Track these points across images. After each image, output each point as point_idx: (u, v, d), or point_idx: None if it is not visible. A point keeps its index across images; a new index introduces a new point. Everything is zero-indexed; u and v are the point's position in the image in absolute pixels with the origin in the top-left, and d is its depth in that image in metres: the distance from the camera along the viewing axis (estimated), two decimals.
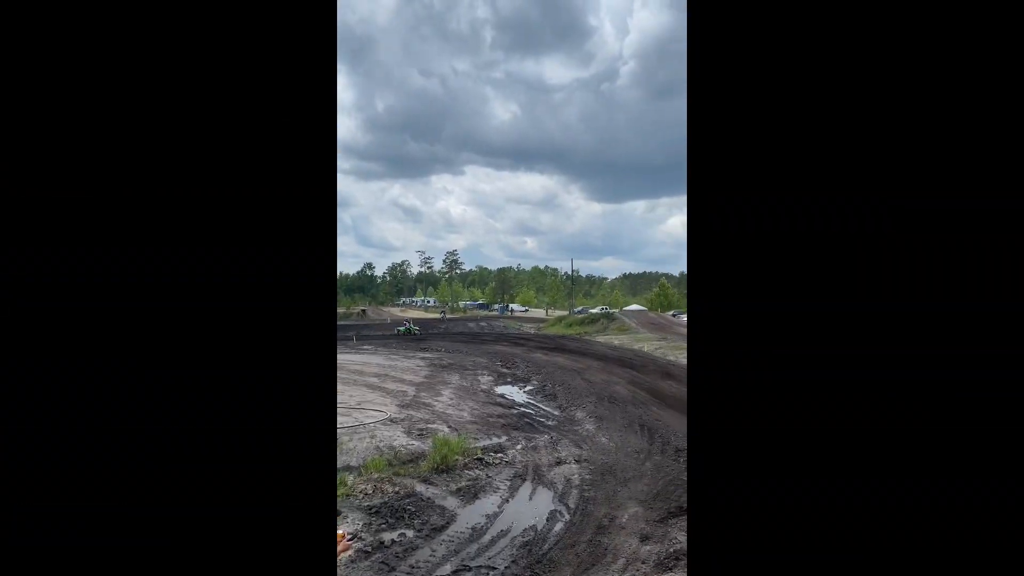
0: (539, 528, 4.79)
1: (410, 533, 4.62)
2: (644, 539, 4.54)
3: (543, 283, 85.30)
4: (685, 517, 4.90)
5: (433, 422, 8.50)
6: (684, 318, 45.16)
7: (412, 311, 55.78)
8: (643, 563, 4.15)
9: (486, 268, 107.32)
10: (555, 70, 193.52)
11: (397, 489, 5.53)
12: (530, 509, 5.31)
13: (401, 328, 27.72)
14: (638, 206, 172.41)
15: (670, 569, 4.05)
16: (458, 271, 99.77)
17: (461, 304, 72.34)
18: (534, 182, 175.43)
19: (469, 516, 5.08)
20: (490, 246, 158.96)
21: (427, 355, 17.77)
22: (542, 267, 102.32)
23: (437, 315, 50.95)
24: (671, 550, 4.32)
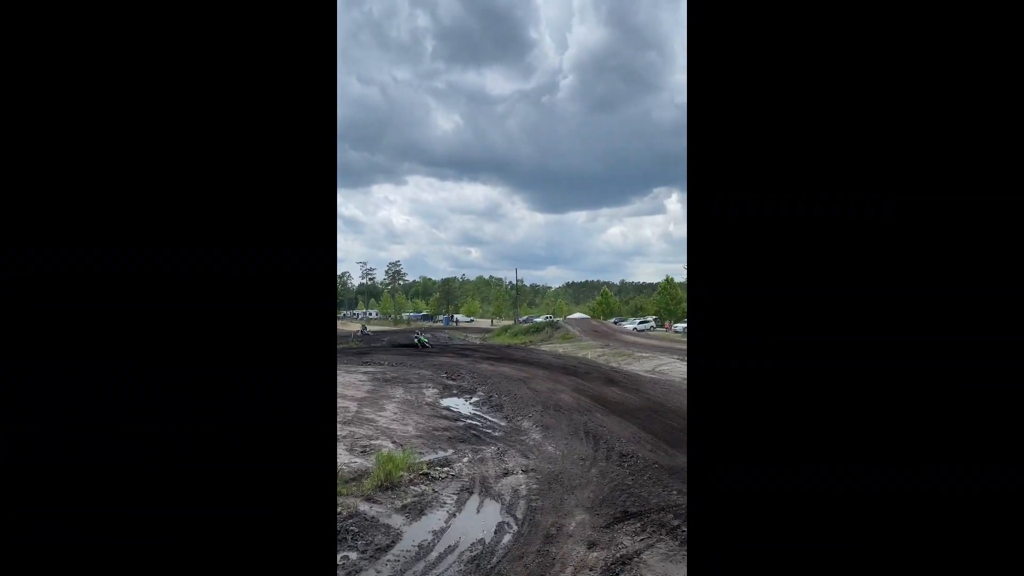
0: (487, 541, 4.78)
1: (353, 555, 4.46)
2: (591, 546, 4.64)
3: (488, 293, 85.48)
4: (629, 522, 5.06)
5: (377, 438, 8.26)
6: (626, 325, 46.85)
7: (352, 324, 53.59)
8: (591, 570, 4.24)
9: (430, 279, 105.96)
10: (497, 82, 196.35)
11: (339, 510, 5.32)
12: (478, 522, 5.28)
13: (415, 340, 28.79)
14: (579, 216, 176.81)
15: (617, 575, 4.17)
16: (401, 282, 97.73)
17: (404, 316, 70.71)
18: (478, 192, 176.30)
19: (415, 533, 4.98)
20: (434, 256, 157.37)
21: (369, 369, 17.24)
22: (487, 277, 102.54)
23: (356, 327, 43.23)
24: (618, 555, 4.45)
